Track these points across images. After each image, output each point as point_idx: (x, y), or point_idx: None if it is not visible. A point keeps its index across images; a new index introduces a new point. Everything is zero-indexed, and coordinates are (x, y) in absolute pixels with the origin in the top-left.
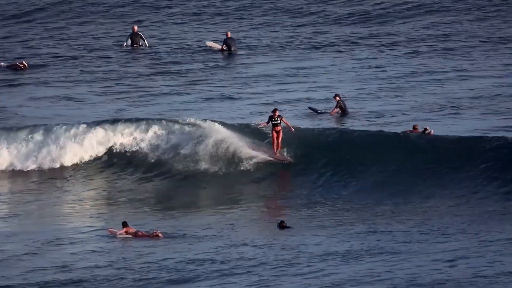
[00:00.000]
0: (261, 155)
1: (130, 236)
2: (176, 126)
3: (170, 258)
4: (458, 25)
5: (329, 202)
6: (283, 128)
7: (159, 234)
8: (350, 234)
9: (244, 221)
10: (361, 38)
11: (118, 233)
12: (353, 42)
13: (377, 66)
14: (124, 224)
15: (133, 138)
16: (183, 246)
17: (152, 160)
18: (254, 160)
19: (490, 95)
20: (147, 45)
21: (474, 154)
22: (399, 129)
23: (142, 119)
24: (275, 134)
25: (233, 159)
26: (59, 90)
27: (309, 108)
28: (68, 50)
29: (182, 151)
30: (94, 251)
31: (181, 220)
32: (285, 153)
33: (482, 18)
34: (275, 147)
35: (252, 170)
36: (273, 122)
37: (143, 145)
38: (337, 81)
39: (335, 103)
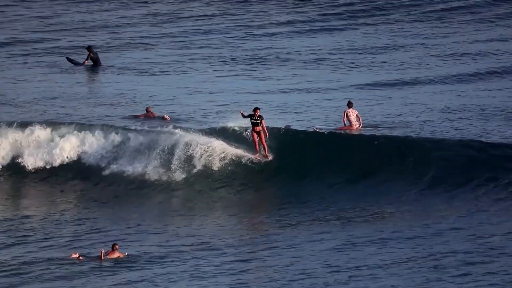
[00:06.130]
0: (243, 153)
1: None
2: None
3: None
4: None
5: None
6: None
7: None
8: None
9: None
10: None
11: None
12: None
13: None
14: None
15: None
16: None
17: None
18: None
19: None
20: None
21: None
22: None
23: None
24: (255, 135)
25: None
26: None
27: (67, 58)
28: None
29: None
30: None
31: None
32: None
33: None
34: (257, 147)
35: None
36: (252, 121)
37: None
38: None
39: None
